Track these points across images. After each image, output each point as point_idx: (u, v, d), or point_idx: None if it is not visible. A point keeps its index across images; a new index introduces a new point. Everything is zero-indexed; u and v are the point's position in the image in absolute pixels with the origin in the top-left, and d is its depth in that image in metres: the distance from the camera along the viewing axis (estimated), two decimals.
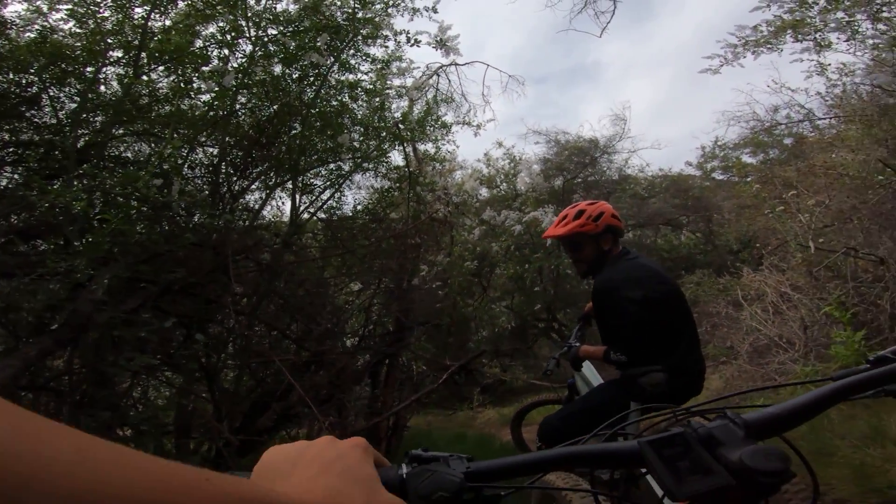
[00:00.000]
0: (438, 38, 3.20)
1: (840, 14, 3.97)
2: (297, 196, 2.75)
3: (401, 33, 3.03)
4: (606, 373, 2.60)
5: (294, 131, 2.65)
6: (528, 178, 7.77)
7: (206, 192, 2.57)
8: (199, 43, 2.76)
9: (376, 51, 3.01)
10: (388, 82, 2.89)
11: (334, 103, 2.74)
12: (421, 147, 3.27)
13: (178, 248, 2.08)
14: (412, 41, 3.03)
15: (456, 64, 2.97)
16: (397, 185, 3.18)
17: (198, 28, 2.76)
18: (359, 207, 3.35)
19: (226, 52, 2.72)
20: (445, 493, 0.49)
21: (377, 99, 2.86)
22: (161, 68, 2.68)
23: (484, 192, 7.56)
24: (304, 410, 3.05)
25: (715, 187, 10.59)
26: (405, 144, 3.07)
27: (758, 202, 5.99)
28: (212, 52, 2.75)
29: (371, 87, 2.81)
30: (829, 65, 4.31)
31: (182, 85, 2.64)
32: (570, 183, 7.87)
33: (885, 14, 3.76)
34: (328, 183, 2.97)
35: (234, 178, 2.67)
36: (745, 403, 0.62)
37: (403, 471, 0.51)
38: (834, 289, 3.83)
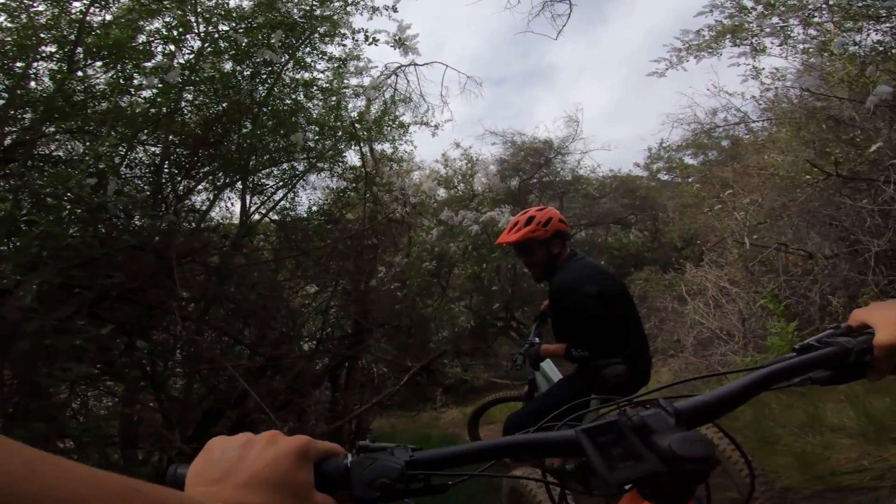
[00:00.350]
0: (397, 38, 3.19)
1: (775, 19, 4.23)
2: (248, 197, 2.66)
3: (359, 31, 2.99)
4: (564, 368, 2.69)
5: (245, 130, 2.56)
6: (484, 179, 7.89)
7: (147, 193, 2.43)
8: (142, 38, 2.63)
9: (333, 49, 2.98)
10: (346, 81, 2.85)
11: (288, 101, 2.67)
12: (378, 147, 3.24)
13: (116, 251, 1.95)
14: (370, 40, 3.00)
15: (415, 64, 2.97)
16: (353, 185, 3.13)
17: (141, 23, 2.63)
18: (314, 208, 3.28)
19: (171, 48, 2.60)
20: (387, 480, 0.51)
21: (333, 98, 2.81)
22: (98, 64, 2.53)
23: (441, 193, 7.62)
24: (261, 417, 2.97)
25: (660, 187, 11.14)
26: (361, 144, 3.03)
27: (698, 201, 6.34)
28: (156, 47, 2.62)
29: (327, 85, 2.76)
30: (763, 69, 4.62)
31: (121, 81, 2.50)
32: (525, 183, 8.06)
33: (815, 19, 4.01)
34: (281, 183, 2.90)
35: (179, 179, 2.54)
36: (695, 393, 0.65)
37: (348, 460, 0.51)
38: (768, 282, 4.11)
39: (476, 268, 7.51)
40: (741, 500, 1.91)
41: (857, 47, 3.27)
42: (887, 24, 3.36)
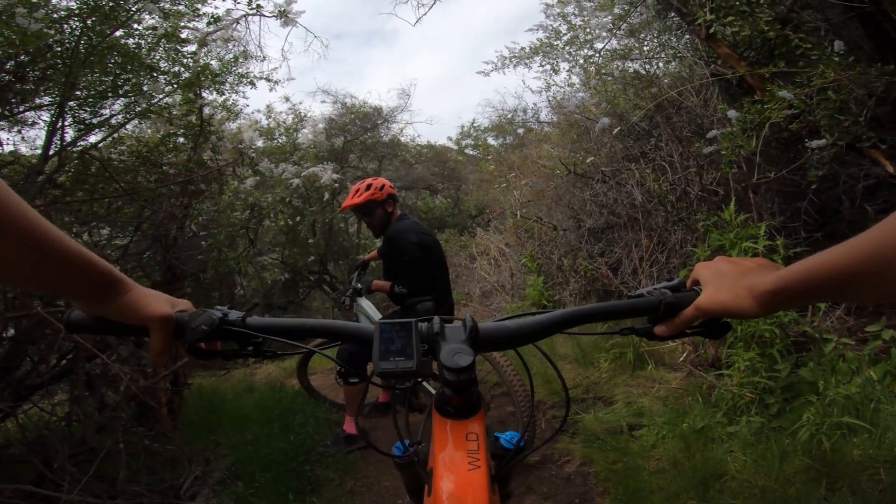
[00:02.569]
0: (281, 10, 3.05)
1: (570, 47, 5.35)
2: (62, 127, 2.35)
3: None
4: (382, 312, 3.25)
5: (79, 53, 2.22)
6: (311, 135, 7.82)
7: None
8: None
9: None
10: (182, 23, 2.68)
11: (132, 42, 2.43)
12: (209, 96, 3.13)
13: None
14: (254, 7, 2.82)
15: (261, 14, 2.88)
16: (182, 131, 3.01)
17: None
18: (130, 151, 3.02)
19: None
20: (206, 327, 0.60)
21: (182, 46, 2.63)
22: None
23: (259, 143, 7.32)
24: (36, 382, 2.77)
25: (466, 161, 12.56)
26: (199, 92, 2.92)
27: (491, 178, 7.58)
28: None
29: (169, 30, 2.58)
30: (554, 84, 5.85)
31: None
32: (349, 143, 8.27)
33: (593, 55, 5.19)
34: (102, 120, 2.62)
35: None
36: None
37: (187, 315, 0.62)
38: (528, 246, 5.39)
39: (290, 221, 7.52)
40: (518, 413, 2.38)
41: (615, 76, 4.47)
42: (639, 62, 4.66)
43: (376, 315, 3.13)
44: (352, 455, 2.86)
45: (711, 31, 2.98)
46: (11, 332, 2.46)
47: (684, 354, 3.14)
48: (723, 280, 0.59)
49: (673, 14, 3.52)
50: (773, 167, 2.81)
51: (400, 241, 2.70)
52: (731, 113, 2.68)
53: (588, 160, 3.94)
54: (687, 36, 3.62)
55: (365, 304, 3.12)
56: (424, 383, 2.57)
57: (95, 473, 2.11)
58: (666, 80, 3.72)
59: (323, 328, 0.66)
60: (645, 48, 4.41)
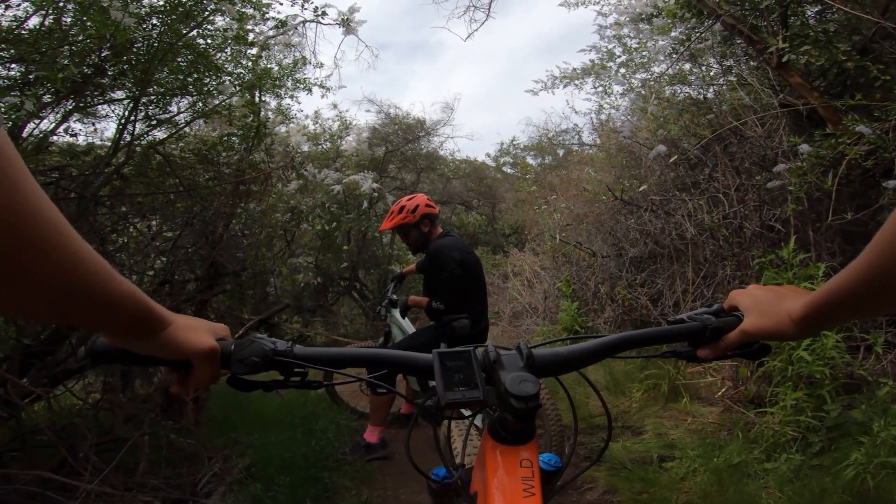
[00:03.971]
0: (344, 18, 3.14)
1: (623, 70, 5.31)
2: (134, 120, 2.45)
3: None
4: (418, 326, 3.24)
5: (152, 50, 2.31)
6: (354, 143, 7.97)
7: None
8: None
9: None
10: (247, 27, 2.78)
11: (203, 43, 2.54)
12: (268, 99, 3.22)
13: None
14: (320, 13, 2.92)
15: (318, 22, 2.95)
16: (240, 132, 3.11)
17: None
18: (189, 148, 3.14)
19: None
20: (257, 359, 0.59)
21: (242, 47, 2.74)
22: None
23: (304, 148, 7.50)
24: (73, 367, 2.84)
25: (503, 179, 12.56)
26: (260, 94, 3.01)
27: (531, 198, 7.52)
28: None
29: (241, 35, 2.69)
30: (605, 107, 5.80)
31: None
32: (390, 154, 8.39)
33: (648, 79, 5.12)
34: (168, 116, 2.74)
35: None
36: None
37: (233, 343, 0.60)
38: (565, 270, 5.29)
39: (327, 226, 7.63)
40: (547, 436, 2.35)
41: (670, 101, 4.39)
42: (697, 87, 4.57)
43: (410, 328, 3.11)
44: (370, 465, 2.83)
45: (784, 59, 2.88)
46: None
47: (723, 390, 3.03)
48: (764, 306, 0.63)
49: (739, 41, 3.43)
50: (840, 205, 2.67)
51: (442, 257, 2.68)
52: (804, 147, 2.57)
53: (640, 189, 3.84)
54: (753, 63, 3.52)
55: (399, 316, 3.12)
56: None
57: (117, 464, 2.12)
58: (725, 108, 3.61)
59: (378, 358, 0.66)
60: (706, 73, 4.30)
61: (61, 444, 2.04)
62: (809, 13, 3.36)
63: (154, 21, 2.32)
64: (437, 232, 2.87)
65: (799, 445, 2.26)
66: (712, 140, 3.28)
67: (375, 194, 7.42)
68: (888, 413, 2.13)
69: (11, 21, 2.16)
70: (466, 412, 0.71)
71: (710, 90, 4.11)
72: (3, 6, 2.11)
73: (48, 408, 2.35)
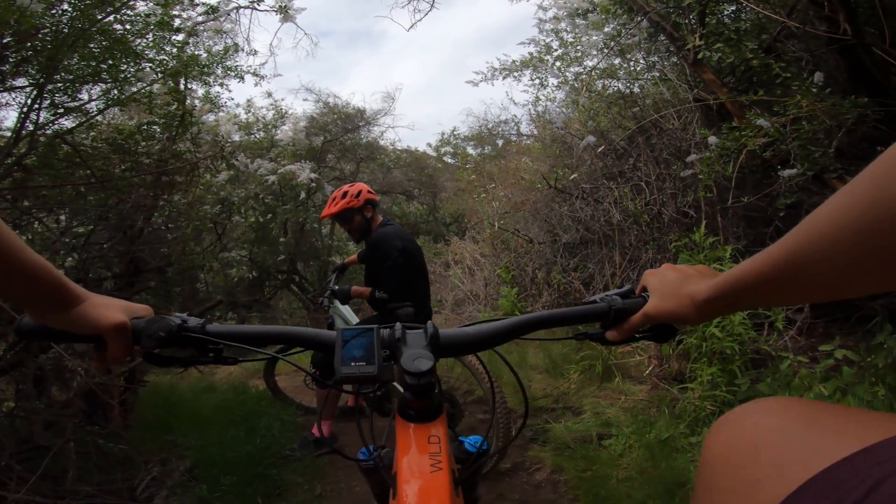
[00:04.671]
0: (282, 5, 2.95)
1: (558, 63, 5.44)
2: (39, 108, 2.20)
3: None
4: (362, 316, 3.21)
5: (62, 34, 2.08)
6: (291, 133, 7.67)
7: None
8: None
9: None
10: (174, 12, 2.56)
11: (119, 28, 2.31)
12: (194, 87, 2.99)
13: None
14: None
15: (254, 8, 2.77)
16: (162, 120, 2.89)
17: None
18: (102, 138, 2.87)
19: None
20: (163, 333, 0.60)
21: (171, 35, 2.52)
22: None
23: (236, 137, 7.13)
24: None
25: (444, 169, 12.63)
26: (185, 81, 2.80)
27: (470, 187, 7.63)
28: None
29: (166, 21, 2.47)
30: (541, 99, 5.94)
31: None
32: (328, 143, 8.16)
33: (581, 73, 5.28)
34: (78, 105, 2.48)
35: None
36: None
37: (143, 322, 0.62)
38: (504, 257, 5.44)
39: (261, 218, 7.35)
40: (489, 419, 2.64)
41: (600, 94, 4.57)
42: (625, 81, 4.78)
43: (353, 318, 3.09)
44: (320, 459, 2.80)
45: (699, 56, 3.10)
46: None
47: (650, 368, 3.25)
48: (667, 287, 0.62)
49: (663, 37, 3.64)
50: (745, 192, 2.94)
51: (383, 246, 2.68)
52: (712, 139, 2.79)
53: (571, 177, 4.01)
54: (674, 59, 3.76)
55: (342, 307, 3.09)
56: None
57: (43, 472, 2.02)
58: (649, 102, 3.84)
59: (285, 335, 0.67)
60: (633, 68, 4.54)
61: None
62: (726, 12, 3.60)
63: (65, 6, 2.11)
64: (378, 220, 2.85)
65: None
66: (636, 132, 3.48)
67: (314, 184, 7.22)
68: (791, 385, 2.35)
69: None
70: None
71: (637, 85, 4.35)
72: None
73: None
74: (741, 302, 0.55)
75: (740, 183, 3.07)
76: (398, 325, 0.64)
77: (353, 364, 0.59)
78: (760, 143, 2.65)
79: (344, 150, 8.71)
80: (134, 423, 3.14)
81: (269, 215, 7.43)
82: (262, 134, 7.16)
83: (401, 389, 0.65)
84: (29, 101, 2.21)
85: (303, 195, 7.35)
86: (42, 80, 2.16)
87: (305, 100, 14.33)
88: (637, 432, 2.59)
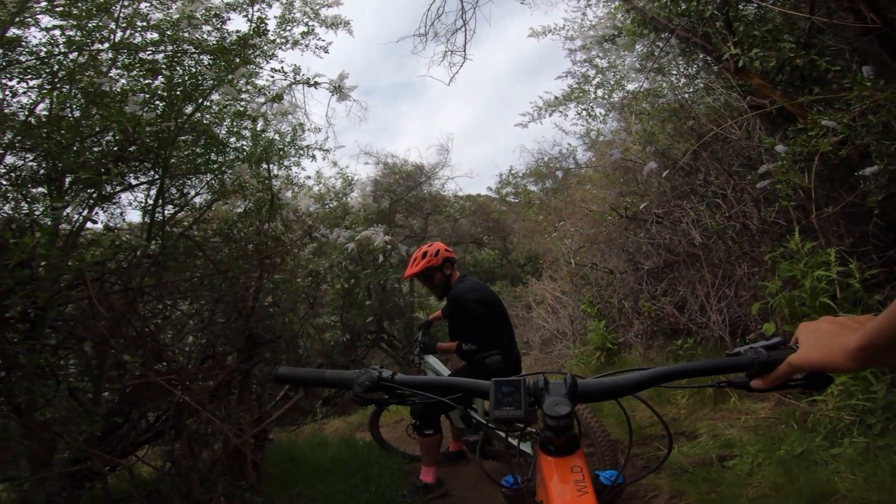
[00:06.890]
0: (336, 85, 3.29)
1: (600, 91, 5.53)
2: (161, 206, 2.59)
3: (298, 72, 3.01)
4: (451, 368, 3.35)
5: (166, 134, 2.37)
6: (360, 199, 8.18)
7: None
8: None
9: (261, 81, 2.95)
10: (247, 99, 2.93)
11: (218, 126, 2.71)
12: (274, 169, 3.35)
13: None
14: (313, 83, 3.12)
15: (308, 84, 3.07)
16: (257, 206, 3.28)
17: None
18: (213, 228, 3.32)
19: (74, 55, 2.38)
20: (368, 383, 0.82)
21: (252, 123, 2.91)
22: None
23: (312, 209, 7.74)
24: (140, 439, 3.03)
25: (509, 210, 12.76)
26: (269, 166, 3.16)
27: (540, 228, 7.67)
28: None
29: (252, 113, 2.84)
30: (593, 130, 6.02)
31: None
32: (395, 204, 8.62)
33: (625, 97, 5.31)
34: (188, 199, 2.90)
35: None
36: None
37: (355, 373, 0.86)
38: (586, 292, 5.36)
39: (346, 284, 7.81)
40: (598, 453, 2.45)
41: (649, 113, 4.53)
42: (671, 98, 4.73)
43: (444, 370, 3.22)
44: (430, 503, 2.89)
45: (740, 64, 3.04)
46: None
47: None
48: (818, 338, 0.64)
49: (699, 51, 3.62)
50: (832, 195, 2.77)
51: (462, 301, 2.82)
52: (779, 147, 2.69)
53: (642, 206, 3.99)
54: (715, 69, 3.69)
55: (432, 360, 3.25)
56: (500, 433, 2.66)
57: None
58: (701, 111, 3.76)
59: (451, 385, 0.84)
60: (676, 83, 4.49)
61: None
62: (750, 17, 3.48)
63: (157, 102, 2.46)
64: (456, 276, 3.02)
65: (859, 428, 2.28)
66: (698, 147, 3.42)
67: (388, 246, 7.61)
68: None
69: (18, 108, 2.27)
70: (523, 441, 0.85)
71: (685, 98, 4.29)
72: (10, 92, 2.21)
73: (130, 476, 2.51)
74: (887, 355, 0.54)
75: (829, 187, 2.89)
76: (541, 377, 0.76)
77: (504, 408, 0.72)
78: (832, 144, 2.51)
79: (410, 208, 9.12)
80: (263, 477, 3.42)
81: (353, 280, 7.89)
82: (334, 203, 7.70)
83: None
84: (150, 198, 2.57)
85: (381, 258, 7.74)
86: (159, 175, 2.51)
87: (366, 163, 15.37)
88: (765, 449, 2.48)
